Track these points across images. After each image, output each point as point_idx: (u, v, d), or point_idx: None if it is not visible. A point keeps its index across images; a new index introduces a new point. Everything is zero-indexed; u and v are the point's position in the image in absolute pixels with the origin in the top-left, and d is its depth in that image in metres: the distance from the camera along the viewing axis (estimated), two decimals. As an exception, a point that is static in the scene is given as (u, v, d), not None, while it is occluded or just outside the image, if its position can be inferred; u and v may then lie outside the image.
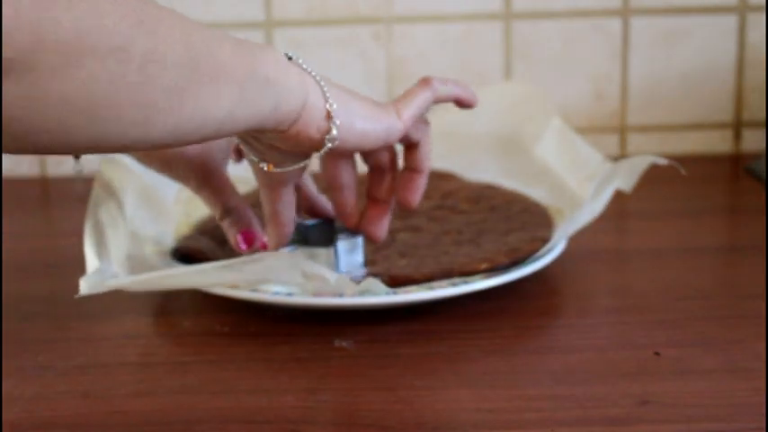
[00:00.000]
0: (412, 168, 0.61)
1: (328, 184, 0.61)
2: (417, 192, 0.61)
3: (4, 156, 1.04)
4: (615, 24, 1.04)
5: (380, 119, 0.55)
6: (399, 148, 0.62)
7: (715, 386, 0.53)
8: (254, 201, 0.65)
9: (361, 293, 0.61)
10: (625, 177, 0.68)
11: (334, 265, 0.64)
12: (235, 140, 0.64)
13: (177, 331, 0.63)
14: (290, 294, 0.61)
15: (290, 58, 0.52)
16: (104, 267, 0.58)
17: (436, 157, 0.71)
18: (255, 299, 0.61)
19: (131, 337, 0.62)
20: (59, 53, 0.39)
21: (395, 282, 0.63)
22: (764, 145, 1.02)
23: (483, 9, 1.03)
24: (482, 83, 1.02)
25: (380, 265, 0.65)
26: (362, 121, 0.54)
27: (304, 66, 0.52)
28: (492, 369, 0.56)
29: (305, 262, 0.58)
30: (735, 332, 0.60)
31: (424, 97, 0.58)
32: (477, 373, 0.56)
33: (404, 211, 0.62)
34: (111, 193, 0.66)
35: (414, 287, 0.63)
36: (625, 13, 1.03)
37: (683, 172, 0.68)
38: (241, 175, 0.68)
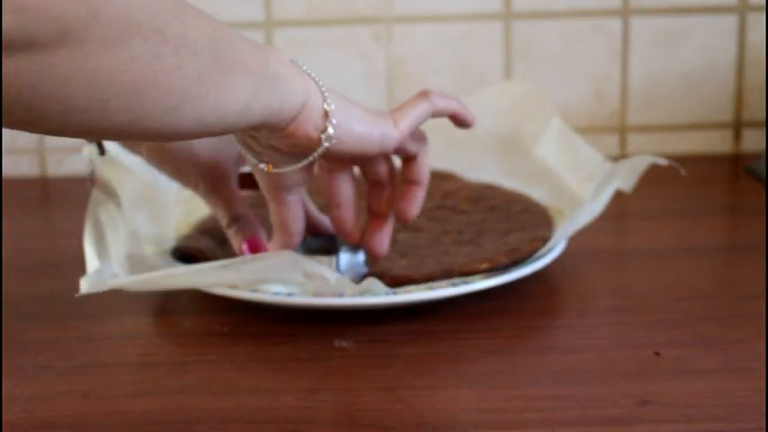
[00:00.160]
0: (410, 181, 0.62)
1: (327, 200, 0.62)
2: (415, 204, 0.62)
3: (4, 156, 1.04)
4: (615, 24, 1.04)
5: (377, 124, 0.56)
6: (398, 163, 0.62)
7: (715, 386, 0.53)
8: (256, 201, 0.65)
9: (361, 293, 0.61)
10: (625, 177, 0.68)
11: (335, 265, 0.64)
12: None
13: (177, 331, 0.63)
14: (290, 294, 0.61)
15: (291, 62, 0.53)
16: (104, 267, 0.58)
17: (436, 157, 0.71)
18: (255, 299, 0.61)
19: (131, 337, 0.62)
20: (112, 28, 0.39)
21: (395, 282, 0.63)
22: (764, 145, 1.02)
23: (483, 9, 1.03)
24: (482, 83, 1.02)
25: (380, 265, 0.65)
26: (359, 123, 0.55)
27: (305, 69, 0.53)
28: (492, 369, 0.56)
29: (305, 261, 0.59)
30: (735, 332, 0.60)
31: (422, 108, 0.58)
32: (477, 373, 0.56)
33: (402, 223, 0.63)
34: (111, 193, 0.66)
35: (414, 287, 0.63)
36: (625, 13, 1.03)
37: (683, 172, 0.68)
38: None
